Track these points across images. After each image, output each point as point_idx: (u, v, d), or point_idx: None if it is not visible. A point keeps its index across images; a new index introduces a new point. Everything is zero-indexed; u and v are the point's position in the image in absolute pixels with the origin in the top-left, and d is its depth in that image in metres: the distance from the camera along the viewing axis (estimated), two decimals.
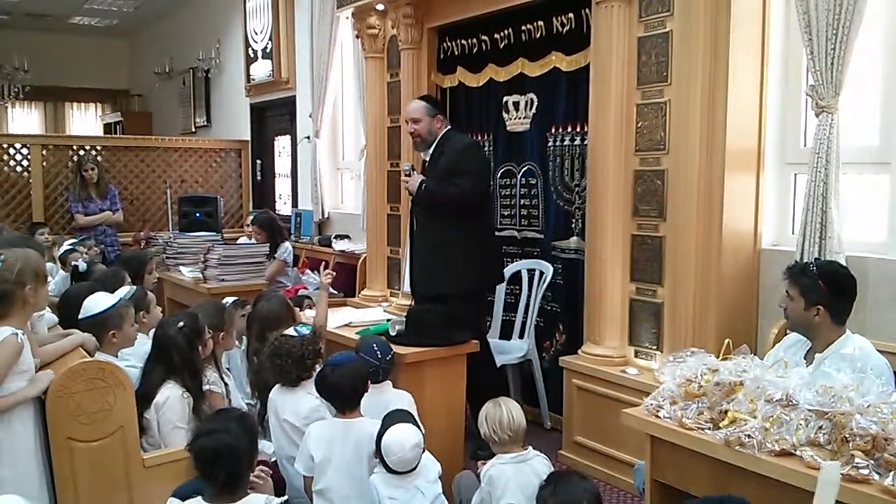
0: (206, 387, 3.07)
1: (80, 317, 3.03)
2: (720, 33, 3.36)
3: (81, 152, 7.53)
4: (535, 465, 2.87)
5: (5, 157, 7.44)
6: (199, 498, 2.27)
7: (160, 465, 2.74)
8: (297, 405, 3.11)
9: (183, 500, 2.33)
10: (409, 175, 4.16)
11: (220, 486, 2.26)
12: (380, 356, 3.25)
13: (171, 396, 2.89)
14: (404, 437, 2.75)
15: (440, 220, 4.08)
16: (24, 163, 7.45)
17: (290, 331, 3.31)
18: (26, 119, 13.13)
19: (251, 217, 6.13)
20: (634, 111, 3.70)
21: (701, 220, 3.42)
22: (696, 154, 3.41)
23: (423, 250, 4.22)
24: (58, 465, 2.60)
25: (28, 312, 2.67)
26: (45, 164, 7.51)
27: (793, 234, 3.48)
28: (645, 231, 3.71)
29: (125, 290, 3.24)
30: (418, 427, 2.84)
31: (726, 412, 2.29)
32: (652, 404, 2.51)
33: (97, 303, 3.03)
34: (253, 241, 5.85)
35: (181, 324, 3.02)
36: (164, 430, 2.86)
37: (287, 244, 5.74)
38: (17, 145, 7.54)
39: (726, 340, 2.58)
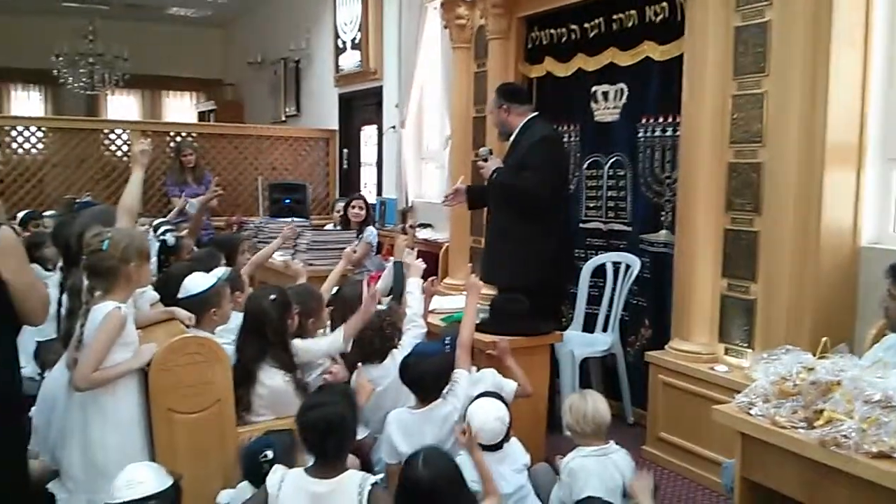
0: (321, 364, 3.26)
1: (180, 296, 3.13)
2: (821, 23, 3.25)
3: (178, 138, 7.79)
4: (617, 460, 2.86)
5: (106, 141, 7.76)
6: (301, 470, 2.35)
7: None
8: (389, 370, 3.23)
9: (255, 455, 2.48)
10: (485, 160, 4.16)
11: (327, 458, 2.34)
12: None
13: (276, 385, 3.00)
14: (489, 407, 2.83)
15: (508, 210, 4.09)
16: (125, 148, 7.72)
17: None
18: (123, 106, 13.60)
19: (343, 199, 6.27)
20: (730, 102, 3.61)
21: (798, 216, 3.33)
22: (794, 147, 3.32)
23: (490, 235, 4.34)
24: (158, 434, 2.73)
25: (131, 289, 2.81)
26: None
27: (894, 231, 3.36)
28: (739, 225, 3.62)
29: (220, 271, 3.35)
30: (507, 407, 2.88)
31: (821, 412, 2.24)
32: (744, 401, 2.48)
33: (197, 283, 3.13)
34: (338, 227, 5.98)
35: (273, 296, 3.12)
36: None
37: (372, 228, 5.84)
38: (118, 131, 7.86)
39: (823, 339, 2.52)
